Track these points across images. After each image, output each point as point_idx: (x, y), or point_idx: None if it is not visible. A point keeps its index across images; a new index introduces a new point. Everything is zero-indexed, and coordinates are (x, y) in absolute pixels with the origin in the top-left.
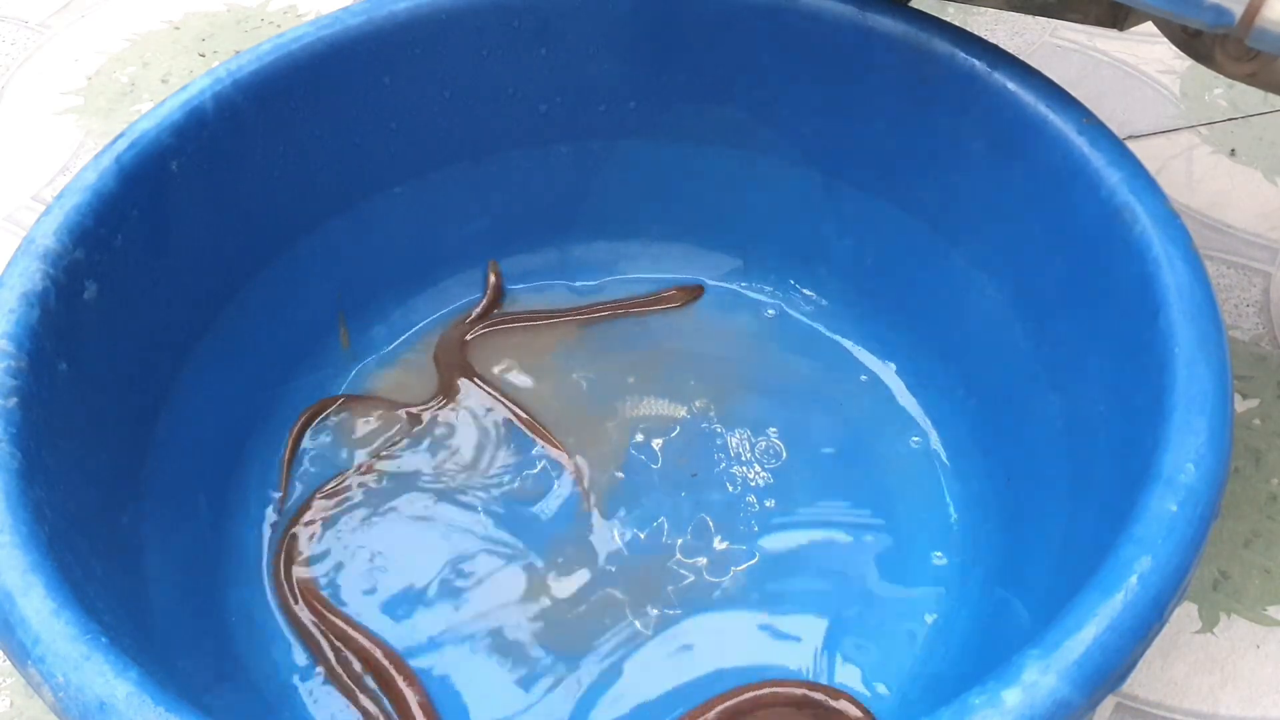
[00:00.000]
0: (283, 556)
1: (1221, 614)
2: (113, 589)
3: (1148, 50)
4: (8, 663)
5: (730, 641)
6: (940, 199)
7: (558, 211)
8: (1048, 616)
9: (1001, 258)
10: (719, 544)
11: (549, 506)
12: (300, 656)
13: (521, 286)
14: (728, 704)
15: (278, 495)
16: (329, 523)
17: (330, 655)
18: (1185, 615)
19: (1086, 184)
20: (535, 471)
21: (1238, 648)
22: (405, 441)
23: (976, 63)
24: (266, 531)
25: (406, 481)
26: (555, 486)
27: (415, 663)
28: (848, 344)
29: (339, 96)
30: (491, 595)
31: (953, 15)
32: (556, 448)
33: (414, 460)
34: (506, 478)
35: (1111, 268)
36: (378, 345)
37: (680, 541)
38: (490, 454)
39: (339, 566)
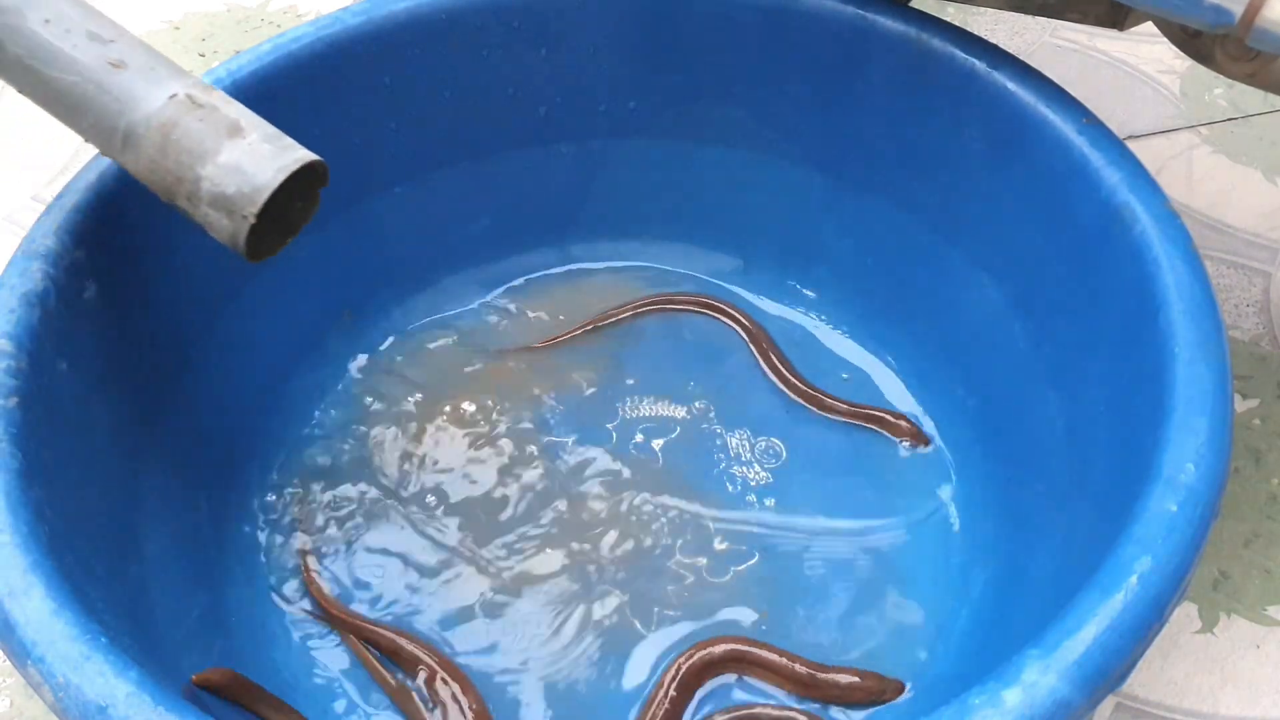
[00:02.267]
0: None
1: (1221, 614)
2: (113, 589)
3: (1148, 50)
4: (8, 663)
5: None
6: (940, 199)
7: (558, 211)
8: (1048, 616)
9: (1001, 257)
10: (719, 544)
11: (542, 508)
12: (298, 655)
13: (521, 285)
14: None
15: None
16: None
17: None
18: (1185, 615)
19: (1086, 184)
20: (537, 473)
21: (1238, 648)
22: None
23: (976, 62)
24: (266, 531)
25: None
26: (553, 491)
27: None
28: (847, 343)
29: (339, 97)
30: (491, 595)
31: (953, 15)
32: None
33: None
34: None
35: (1111, 267)
36: (378, 344)
37: (680, 542)
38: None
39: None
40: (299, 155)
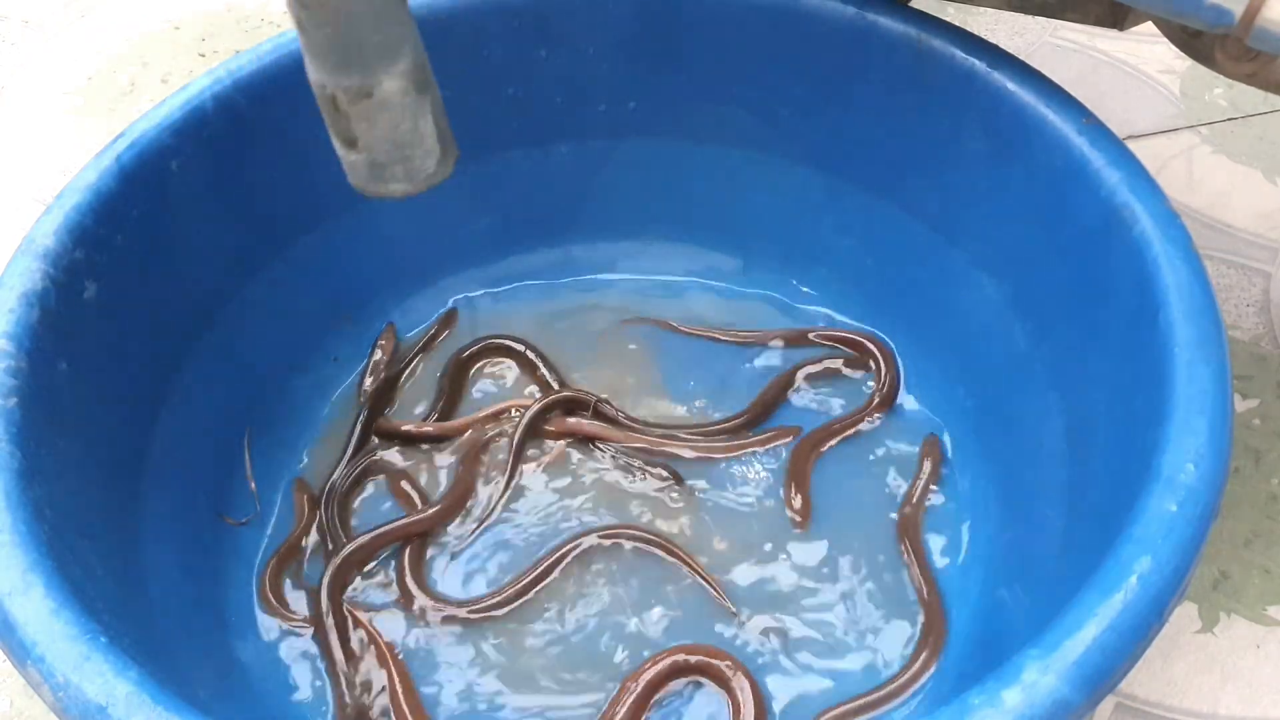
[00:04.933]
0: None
1: (1221, 614)
2: (113, 589)
3: (1148, 50)
4: (8, 663)
5: (729, 641)
6: (940, 199)
7: (558, 211)
8: (1047, 616)
9: (1001, 258)
10: (719, 544)
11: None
12: (298, 655)
13: (521, 285)
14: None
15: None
16: None
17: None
18: (1185, 615)
19: (1086, 184)
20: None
21: (1238, 648)
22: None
23: (976, 63)
24: (267, 532)
25: None
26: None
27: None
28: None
29: None
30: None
31: (953, 15)
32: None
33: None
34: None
35: (1111, 267)
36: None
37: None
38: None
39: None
40: (392, 189)
